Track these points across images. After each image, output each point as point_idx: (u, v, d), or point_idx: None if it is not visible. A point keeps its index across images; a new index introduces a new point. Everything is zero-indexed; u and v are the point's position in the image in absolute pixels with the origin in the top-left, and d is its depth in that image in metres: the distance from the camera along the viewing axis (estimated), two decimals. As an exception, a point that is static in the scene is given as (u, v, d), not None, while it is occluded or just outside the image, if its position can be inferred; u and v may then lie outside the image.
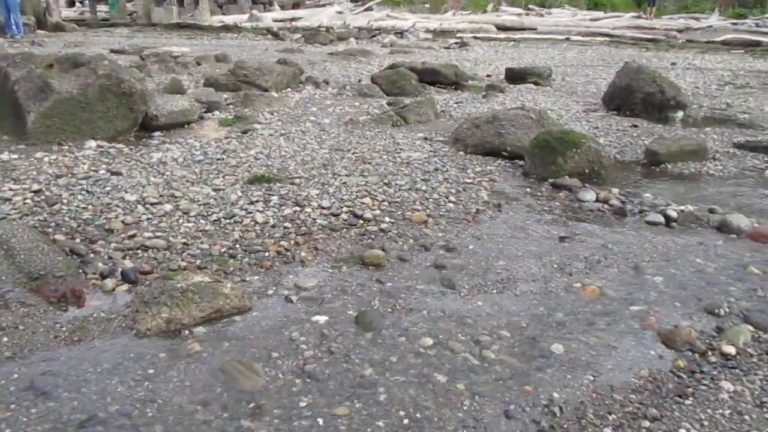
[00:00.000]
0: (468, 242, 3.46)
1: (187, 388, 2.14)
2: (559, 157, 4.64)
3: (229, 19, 21.63)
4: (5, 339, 2.34)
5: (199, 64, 9.97)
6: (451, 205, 4.00)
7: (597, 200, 4.17)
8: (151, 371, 2.22)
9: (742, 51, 15.67)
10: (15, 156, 4.52)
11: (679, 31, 21.12)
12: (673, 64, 12.54)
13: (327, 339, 2.46)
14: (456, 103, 7.59)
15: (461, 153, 5.25)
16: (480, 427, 1.97)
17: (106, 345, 2.37)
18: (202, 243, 3.25)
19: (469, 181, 4.50)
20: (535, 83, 9.26)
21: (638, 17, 24.25)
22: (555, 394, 2.14)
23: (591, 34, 19.92)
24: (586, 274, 3.10)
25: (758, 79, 10.57)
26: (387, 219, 3.70)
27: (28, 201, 3.67)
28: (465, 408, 2.06)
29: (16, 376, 2.15)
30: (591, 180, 4.58)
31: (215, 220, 3.54)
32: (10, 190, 3.82)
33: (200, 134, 5.58)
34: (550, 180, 4.53)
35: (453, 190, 4.25)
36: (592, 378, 2.24)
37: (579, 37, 19.20)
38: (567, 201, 4.20)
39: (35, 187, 3.88)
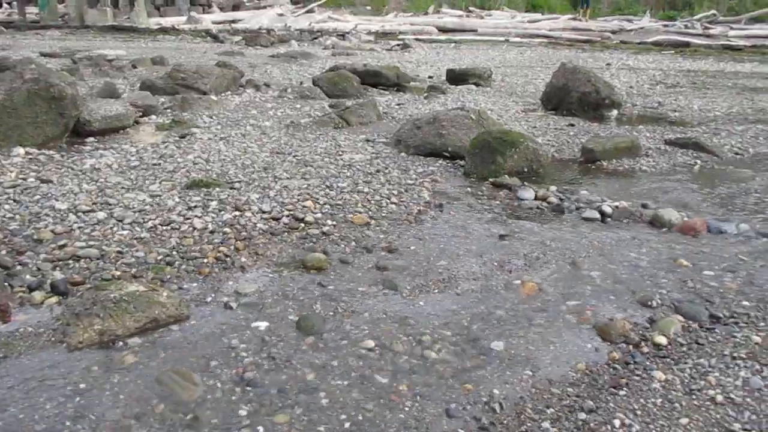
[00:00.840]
0: (410, 243, 3.47)
1: (122, 401, 2.07)
2: (498, 156, 4.71)
3: (167, 22, 21.16)
4: (-77, 359, 2.22)
5: (135, 68, 9.71)
6: (393, 206, 4.01)
7: (536, 198, 4.25)
8: (83, 386, 2.13)
9: (673, 51, 16.29)
10: (-65, 165, 4.30)
11: (613, 32, 21.79)
12: (608, 64, 12.93)
13: (267, 345, 2.42)
14: (398, 104, 7.62)
15: (403, 154, 5.26)
16: (422, 427, 1.98)
17: (34, 361, 2.27)
18: (137, 251, 3.16)
19: (411, 182, 4.52)
20: (476, 84, 9.39)
21: (574, 19, 24.91)
22: (495, 391, 2.16)
23: (529, 36, 20.35)
24: (525, 271, 3.15)
25: (688, 78, 11.00)
26: (329, 222, 3.68)
27: (-51, 212, 3.50)
28: (407, 409, 2.06)
29: (-65, 397, 2.04)
30: (530, 178, 4.67)
31: (151, 227, 3.45)
32: (-70, 201, 3.63)
33: (136, 139, 5.43)
34: (490, 179, 4.59)
35: (395, 192, 4.26)
36: (531, 373, 2.27)
37: (518, 39, 19.59)
38: (507, 200, 4.27)
39: (-43, 197, 3.70)
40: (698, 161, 5.38)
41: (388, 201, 4.08)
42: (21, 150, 4.73)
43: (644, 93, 9.12)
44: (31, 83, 4.98)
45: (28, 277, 2.85)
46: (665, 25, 23.74)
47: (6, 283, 2.77)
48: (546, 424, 1.99)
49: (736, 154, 5.66)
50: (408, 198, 4.18)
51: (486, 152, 4.76)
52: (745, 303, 2.81)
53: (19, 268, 2.93)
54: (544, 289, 2.95)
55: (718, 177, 4.95)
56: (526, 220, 3.90)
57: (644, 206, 4.08)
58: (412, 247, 3.42)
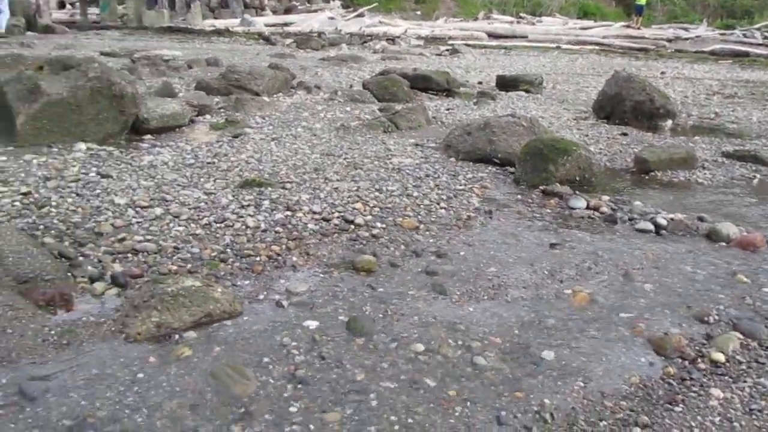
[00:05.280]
0: (459, 248, 3.47)
1: (177, 393, 2.12)
2: (550, 164, 4.66)
3: (221, 24, 21.59)
4: (-7, 342, 2.32)
5: (191, 68, 9.94)
6: (443, 211, 4.01)
7: (587, 207, 4.19)
8: (141, 375, 2.20)
9: (731, 61, 15.84)
10: (3, 158, 4.48)
11: (669, 40, 21.32)
12: (663, 73, 12.66)
13: (318, 344, 2.45)
14: (447, 109, 7.61)
15: (452, 159, 5.26)
16: (470, 433, 1.97)
17: (95, 349, 2.35)
18: (192, 247, 3.24)
19: (460, 187, 4.51)
20: (526, 91, 9.31)
21: (628, 26, 24.44)
22: (546, 401, 2.14)
23: (581, 43, 20.07)
24: (576, 281, 3.11)
25: (746, 89, 10.69)
26: (378, 224, 3.70)
27: (16, 203, 3.64)
28: (456, 414, 2.06)
29: (3, 380, 2.12)
30: (581, 187, 4.60)
31: (206, 224, 3.53)
32: (-1, 192, 3.79)
33: (191, 138, 5.56)
34: (540, 187, 4.54)
35: (444, 197, 4.26)
36: (582, 384, 2.24)
37: (569, 46, 19.34)
38: (558, 208, 4.22)
39: (24, 189, 3.84)
40: (757, 174, 5.22)
41: (437, 206, 4.08)
42: (83, 146, 4.90)
43: (700, 103, 8.90)
44: (94, 81, 5.16)
45: (89, 268, 2.95)
46: (723, 34, 23.11)
47: (69, 273, 2.87)
48: (599, 437, 1.96)
49: (799, 168, 5.47)
50: (457, 203, 4.17)
51: (537, 159, 4.72)
52: (808, 323, 2.71)
53: (81, 259, 3.03)
54: (596, 300, 2.91)
55: (779, 191, 4.79)
56: (578, 230, 3.85)
57: (701, 219, 3.98)
58: (462, 253, 3.41)
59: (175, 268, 3.02)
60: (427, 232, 3.66)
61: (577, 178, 4.74)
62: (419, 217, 3.87)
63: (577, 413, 2.08)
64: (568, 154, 4.73)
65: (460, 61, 14.35)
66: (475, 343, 2.49)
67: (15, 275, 2.74)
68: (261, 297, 2.82)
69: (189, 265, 3.06)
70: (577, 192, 4.45)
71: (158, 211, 3.66)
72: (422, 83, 8.83)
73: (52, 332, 2.43)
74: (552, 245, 3.56)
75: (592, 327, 2.67)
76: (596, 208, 4.16)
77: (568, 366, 2.37)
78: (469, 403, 2.12)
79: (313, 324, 2.60)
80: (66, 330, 2.45)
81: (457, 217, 3.93)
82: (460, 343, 2.50)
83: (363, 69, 11.58)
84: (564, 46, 19.08)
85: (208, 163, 4.72)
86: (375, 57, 14.43)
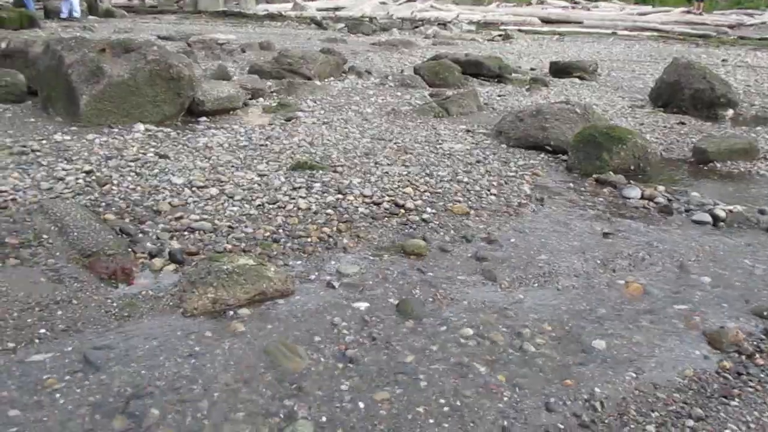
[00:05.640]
0: (509, 235, 3.45)
1: (232, 366, 2.19)
2: (604, 152, 4.57)
3: (274, 8, 21.78)
4: (60, 312, 2.43)
5: (244, 52, 10.08)
6: (493, 197, 3.99)
7: (642, 197, 4.10)
8: (198, 349, 2.27)
9: (798, 49, 15.12)
10: (68, 137, 4.65)
11: (731, 27, 20.49)
12: (724, 60, 12.20)
13: (368, 325, 2.48)
14: (499, 95, 7.53)
15: (504, 146, 5.21)
16: (520, 417, 1.98)
17: (155, 322, 2.44)
18: (246, 227, 3.31)
19: (511, 174, 4.47)
20: (580, 78, 9.12)
21: (688, 12, 23.60)
22: (596, 389, 2.12)
23: (638, 29, 19.48)
24: (629, 271, 3.06)
25: (814, 78, 10.20)
26: (428, 209, 3.71)
27: (80, 181, 3.79)
28: (505, 399, 2.07)
29: (69, 348, 2.23)
30: (636, 177, 4.50)
31: (259, 205, 3.60)
32: (63, 170, 3.94)
33: (245, 120, 5.66)
34: (594, 175, 4.47)
35: (495, 183, 4.23)
36: (634, 375, 2.22)
37: (626, 32, 18.80)
38: (611, 197, 4.15)
39: (87, 167, 3.99)
40: (824, 167, 5.01)
41: (487, 192, 4.06)
42: (141, 126, 5.05)
43: (763, 93, 8.55)
44: (153, 64, 5.29)
45: (148, 244, 3.05)
46: (790, 21, 22.06)
47: (129, 249, 2.98)
48: (650, 428, 1.94)
49: None
50: (508, 190, 4.14)
51: (591, 147, 4.63)
52: None
53: (140, 236, 3.14)
54: (650, 291, 2.86)
55: None
56: (631, 220, 3.77)
57: (761, 212, 3.85)
58: (512, 240, 3.39)
59: (229, 246, 3.09)
60: (477, 218, 3.65)
61: (632, 168, 4.64)
62: (469, 202, 3.86)
63: (628, 403, 2.06)
64: (623, 142, 4.63)
65: (513, 47, 14.13)
66: (525, 330, 2.48)
67: (80, 249, 2.87)
68: (312, 277, 2.87)
69: (243, 245, 3.13)
70: (632, 181, 4.35)
71: (213, 191, 3.75)
72: (474, 69, 8.75)
73: (114, 304, 2.53)
74: (605, 234, 3.50)
75: (644, 318, 2.63)
76: (651, 198, 4.07)
77: (619, 356, 2.34)
78: (517, 389, 2.12)
79: (363, 305, 2.63)
80: (127, 303, 2.55)
81: (508, 203, 3.91)
82: (509, 329, 2.50)
83: (414, 54, 11.53)
84: (620, 33, 18.56)
85: (261, 145, 4.80)
86: (426, 42, 14.34)
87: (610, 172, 4.46)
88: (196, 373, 2.14)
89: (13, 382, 2.02)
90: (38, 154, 4.23)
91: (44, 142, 4.50)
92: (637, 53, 13.60)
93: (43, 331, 2.31)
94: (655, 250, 3.32)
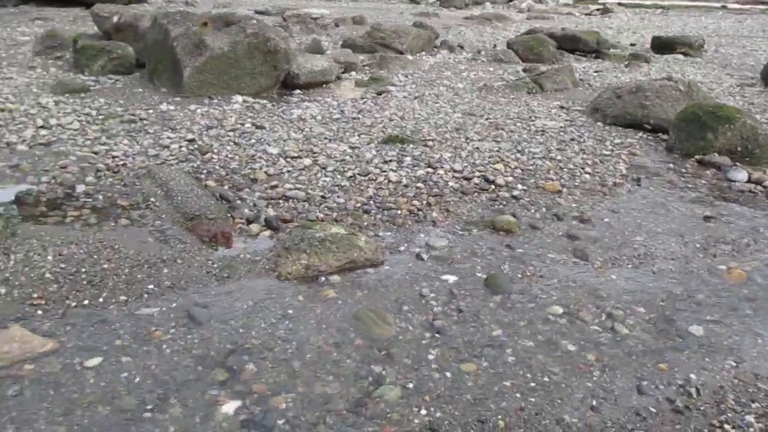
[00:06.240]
0: (603, 215, 3.36)
1: (323, 330, 2.26)
2: (708, 132, 4.34)
3: (366, -18, 21.81)
4: (166, 270, 2.59)
5: (338, 26, 10.19)
6: (587, 176, 3.88)
7: (749, 181, 3.88)
8: (291, 311, 2.37)
9: None
10: (172, 107, 4.89)
11: None
12: None
13: (456, 298, 2.50)
14: (596, 71, 7.27)
15: (599, 124, 5.05)
16: (610, 398, 1.95)
17: (251, 284, 2.56)
18: (338, 197, 3.39)
19: (606, 152, 4.33)
20: (684, 54, 8.66)
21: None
22: (692, 376, 2.05)
23: (751, 3, 18.18)
24: (732, 257, 2.92)
25: None
26: (519, 186, 3.66)
27: (183, 149, 3.98)
28: (595, 378, 2.04)
29: (174, 304, 2.37)
30: (743, 159, 4.26)
31: (351, 177, 3.67)
32: (168, 138, 4.15)
33: (337, 94, 5.75)
34: (696, 156, 4.26)
35: (589, 161, 4.12)
36: (734, 364, 2.13)
37: (737, 5, 17.60)
38: (714, 179, 3.95)
39: (189, 136, 4.19)
40: None
41: (581, 170, 3.96)
42: (239, 98, 5.23)
43: None
44: (252, 37, 5.45)
45: (246, 211, 3.18)
46: None
47: (229, 214, 3.12)
48: (750, 418, 1.87)
49: None
50: (603, 169, 4.02)
51: (694, 127, 4.41)
52: None
53: (239, 202, 3.28)
54: (754, 279, 2.72)
55: None
56: (736, 204, 3.58)
57: None
58: (606, 219, 3.30)
59: (321, 215, 3.18)
60: (570, 197, 3.57)
61: (739, 149, 4.38)
62: (562, 180, 3.78)
63: (725, 392, 1.99)
64: (731, 122, 4.37)
65: (612, 22, 13.55)
66: (617, 311, 2.43)
67: (183, 212, 3.03)
68: (401, 249, 2.91)
69: (335, 214, 3.21)
70: (738, 164, 4.12)
71: (307, 161, 3.85)
72: (570, 44, 8.48)
73: (215, 266, 2.66)
74: (706, 218, 3.35)
75: (747, 306, 2.50)
76: (759, 182, 3.84)
77: (717, 343, 2.25)
78: (608, 370, 2.09)
79: (451, 278, 2.65)
80: (226, 265, 2.68)
81: (603, 182, 3.80)
82: (600, 309, 2.45)
83: (507, 29, 11.29)
84: (731, 6, 17.40)
85: (353, 118, 4.86)
86: (520, 16, 13.99)
87: (715, 154, 4.24)
88: (289, 334, 2.23)
89: (125, 331, 2.18)
90: (145, 122, 4.47)
91: (151, 111, 4.75)
92: (749, 28, 12.72)
93: (151, 286, 2.47)
94: (762, 236, 3.14)
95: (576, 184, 3.76)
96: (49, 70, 5.97)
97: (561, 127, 4.87)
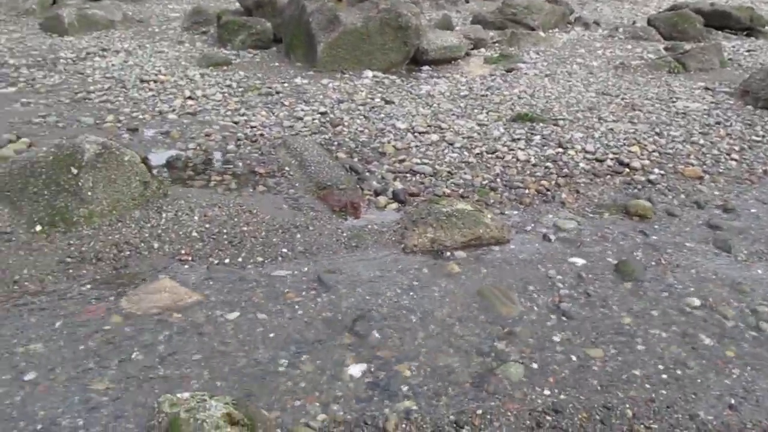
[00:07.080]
0: (750, 205, 3.12)
1: (447, 303, 2.29)
2: None
3: (498, -43, 21.30)
4: (298, 236, 2.71)
5: (468, 2, 10.04)
6: (733, 162, 3.62)
7: None
8: (416, 283, 2.41)
9: None
10: (305, 81, 5.06)
11: None
12: None
13: (584, 281, 2.44)
14: (747, 51, 6.70)
15: (749, 107, 4.66)
16: (751, 398, 1.83)
17: (378, 254, 2.62)
18: (465, 173, 3.38)
19: (757, 138, 4.00)
20: None
21: None
22: None
23: None
24: None
25: None
26: (656, 170, 3.48)
27: (315, 121, 4.12)
28: (734, 376, 1.92)
29: (306, 269, 2.49)
30: None
31: (478, 154, 3.64)
32: (302, 110, 4.31)
33: (466, 70, 5.69)
34: None
35: (736, 147, 3.83)
36: None
37: None
38: None
39: (322, 109, 4.33)
40: None
41: (726, 156, 3.69)
42: (370, 73, 5.32)
43: None
44: (384, 13, 5.50)
45: (374, 183, 3.25)
46: None
47: (358, 186, 3.20)
48: None
49: None
50: (752, 156, 3.72)
51: None
52: None
53: (367, 174, 3.36)
54: None
55: None
56: None
57: None
58: (753, 210, 3.07)
59: (448, 191, 3.19)
60: (713, 184, 3.35)
61: None
62: (704, 166, 3.55)
63: None
64: None
65: (769, -4, 12.36)
66: (762, 308, 2.26)
67: (316, 182, 3.15)
68: (528, 228, 2.86)
69: (461, 190, 3.21)
70: None
71: (434, 137, 3.87)
72: (719, 20, 7.84)
73: (344, 234, 2.76)
74: None
75: None
76: None
77: None
78: (749, 368, 1.96)
79: (579, 261, 2.58)
80: (355, 234, 2.76)
81: (751, 170, 3.53)
82: (743, 304, 2.29)
83: (648, 4, 10.62)
84: None
85: (482, 95, 4.81)
86: (663, -9, 13.09)
87: None
88: (414, 305, 2.27)
89: (261, 290, 2.32)
90: (281, 95, 4.67)
91: (286, 84, 4.95)
92: None
93: (284, 250, 2.60)
94: None
95: (720, 170, 3.51)
96: (196, 44, 6.36)
97: (705, 109, 4.55)
